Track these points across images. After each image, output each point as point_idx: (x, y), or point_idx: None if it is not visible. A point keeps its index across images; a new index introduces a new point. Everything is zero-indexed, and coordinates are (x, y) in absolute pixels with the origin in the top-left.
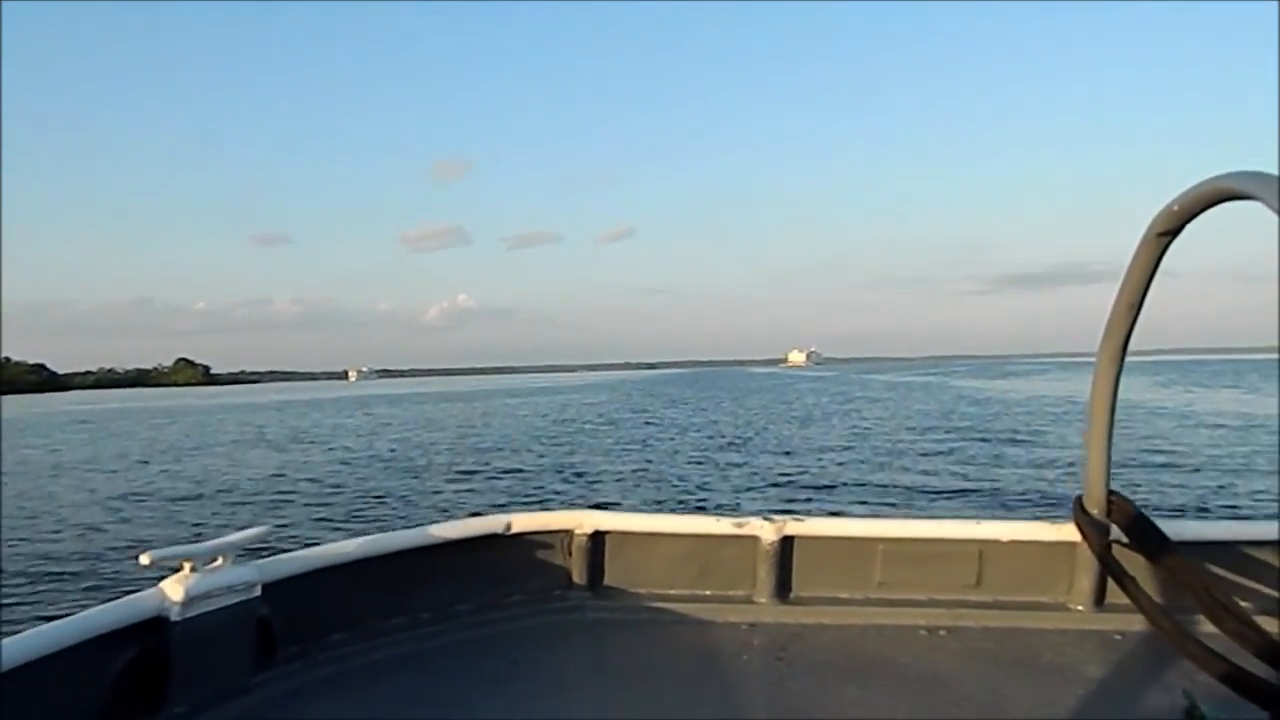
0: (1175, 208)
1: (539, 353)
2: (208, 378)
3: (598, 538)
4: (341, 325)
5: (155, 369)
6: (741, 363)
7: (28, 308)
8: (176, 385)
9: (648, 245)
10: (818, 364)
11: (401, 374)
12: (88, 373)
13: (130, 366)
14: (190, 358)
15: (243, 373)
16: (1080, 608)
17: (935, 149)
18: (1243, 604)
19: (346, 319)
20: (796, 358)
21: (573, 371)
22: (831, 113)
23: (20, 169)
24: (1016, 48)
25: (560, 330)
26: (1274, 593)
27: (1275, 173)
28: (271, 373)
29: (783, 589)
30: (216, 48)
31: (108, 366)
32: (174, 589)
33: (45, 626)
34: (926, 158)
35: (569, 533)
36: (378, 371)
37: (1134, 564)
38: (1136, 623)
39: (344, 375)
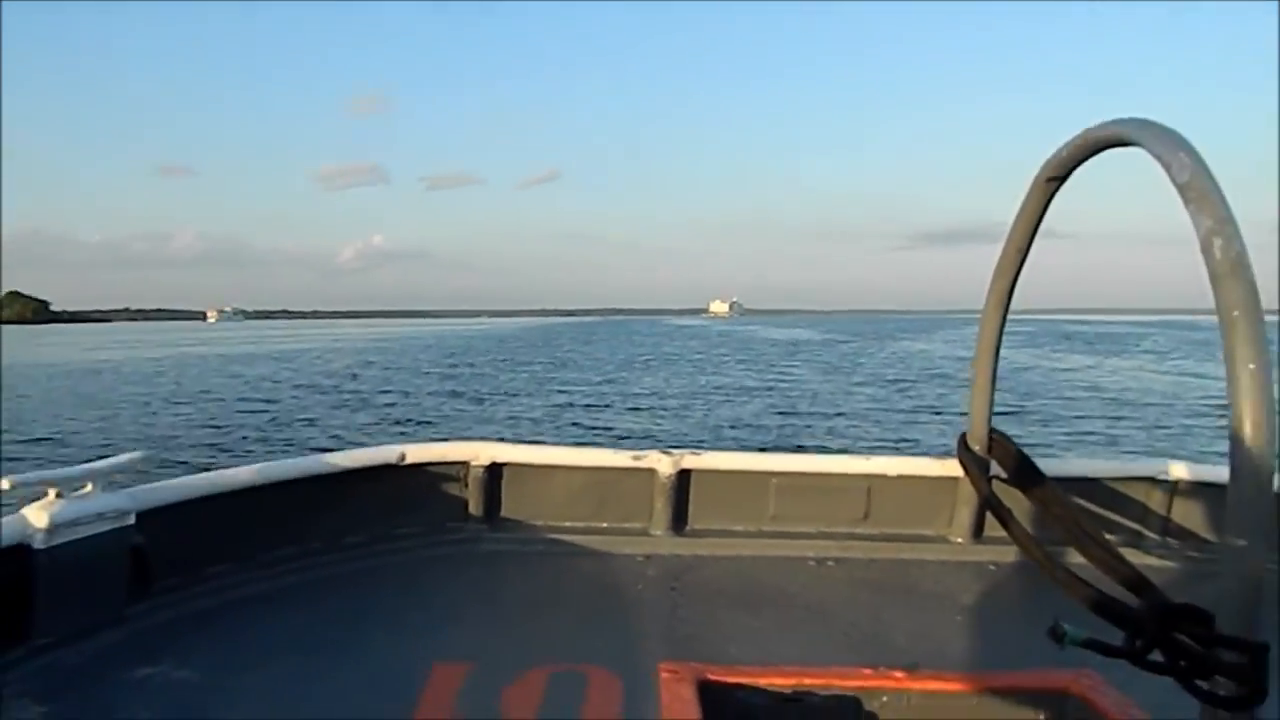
0: (1063, 154)
1: (456, 297)
2: (45, 314)
3: (495, 469)
4: (248, 264)
5: None
6: (662, 311)
7: None
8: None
9: (572, 191)
10: (740, 315)
11: (292, 315)
12: None
13: None
14: (23, 290)
15: (83, 311)
16: (960, 540)
17: (858, 107)
18: (1109, 536)
19: (253, 258)
20: (719, 308)
21: (486, 317)
22: (759, 70)
23: None
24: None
25: (479, 275)
26: (1137, 526)
27: (1157, 120)
28: (122, 310)
29: (679, 521)
30: None
31: None
32: (38, 515)
33: None
34: (852, 115)
35: (465, 464)
36: (244, 313)
37: (1011, 498)
38: (1011, 554)
39: (202, 316)
